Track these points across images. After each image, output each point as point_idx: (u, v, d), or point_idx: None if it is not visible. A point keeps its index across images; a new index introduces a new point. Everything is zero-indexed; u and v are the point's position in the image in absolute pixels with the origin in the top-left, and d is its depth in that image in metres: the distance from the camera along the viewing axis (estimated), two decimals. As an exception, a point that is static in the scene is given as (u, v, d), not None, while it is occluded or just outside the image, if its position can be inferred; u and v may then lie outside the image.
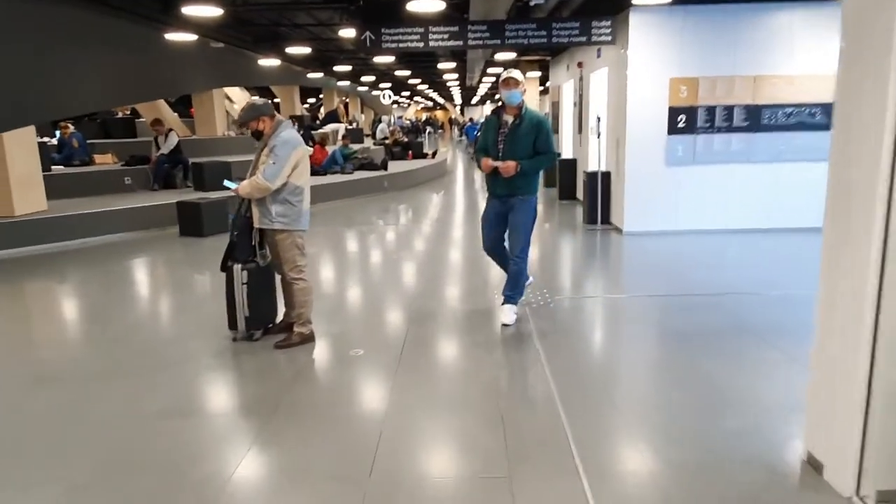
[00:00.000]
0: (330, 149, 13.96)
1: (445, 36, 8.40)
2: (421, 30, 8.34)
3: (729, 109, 7.73)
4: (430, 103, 54.68)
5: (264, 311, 4.55)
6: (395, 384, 3.80)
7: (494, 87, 23.28)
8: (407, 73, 21.24)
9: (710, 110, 7.74)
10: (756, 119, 7.74)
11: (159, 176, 10.69)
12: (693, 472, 2.81)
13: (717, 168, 7.90)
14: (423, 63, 18.56)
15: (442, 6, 8.01)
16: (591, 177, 8.67)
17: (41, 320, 5.66)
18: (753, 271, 6.27)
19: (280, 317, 4.69)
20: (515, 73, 4.56)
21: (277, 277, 4.58)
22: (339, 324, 5.00)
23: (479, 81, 23.99)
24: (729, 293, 5.47)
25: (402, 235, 9.05)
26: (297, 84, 20.51)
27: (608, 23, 8.11)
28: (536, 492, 2.68)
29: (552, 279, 6.38)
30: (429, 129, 37.74)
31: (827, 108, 7.59)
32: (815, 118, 7.69)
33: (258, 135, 4.25)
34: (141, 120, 15.83)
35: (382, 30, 8.34)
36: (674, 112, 7.76)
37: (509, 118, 4.62)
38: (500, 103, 4.76)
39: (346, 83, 24.34)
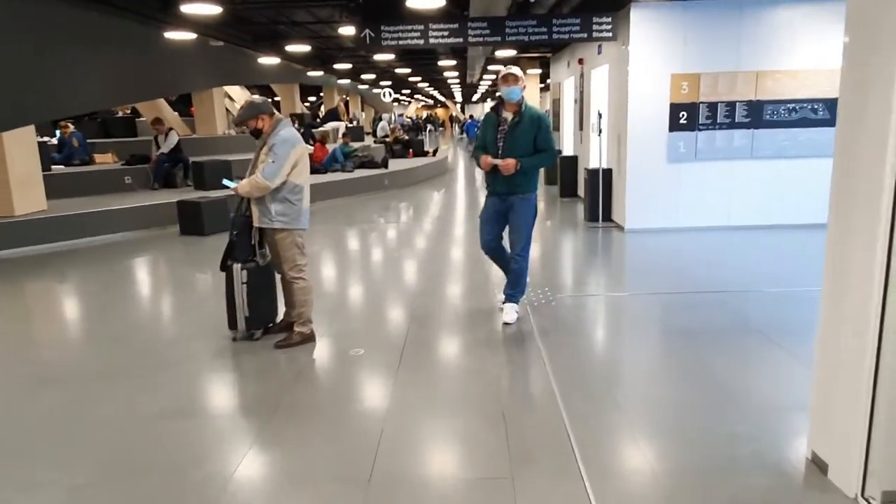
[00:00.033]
0: (330, 147, 13.94)
1: (445, 33, 8.37)
2: (421, 27, 8.30)
3: (731, 105, 7.69)
4: (431, 101, 54.64)
5: (264, 311, 4.53)
6: (396, 383, 3.78)
7: (495, 85, 23.23)
8: (407, 70, 21.21)
9: (712, 106, 7.70)
10: (758, 115, 7.70)
11: (159, 175, 10.67)
12: (696, 471, 2.79)
13: (719, 164, 7.87)
14: (423, 61, 18.53)
15: (442, 3, 7.97)
16: (593, 174, 8.64)
17: (41, 320, 5.65)
18: (756, 268, 6.23)
19: (280, 316, 4.67)
20: (515, 70, 4.50)
21: (277, 277, 4.56)
22: (340, 323, 4.98)
23: (480, 79, 23.94)
24: (732, 290, 5.44)
25: (402, 233, 9.03)
26: (297, 82, 20.49)
27: (609, 19, 8.07)
28: (538, 492, 2.66)
29: (554, 277, 6.36)
30: (429, 126, 37.69)
31: (829, 104, 7.55)
32: (817, 114, 7.65)
33: (257, 133, 4.23)
34: (141, 119, 15.82)
35: (382, 27, 8.31)
36: (675, 108, 7.72)
37: (509, 115, 4.57)
38: (499, 99, 4.72)
39: (347, 81, 24.31)
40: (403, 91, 37.39)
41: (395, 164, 14.49)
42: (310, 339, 4.44)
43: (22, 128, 8.09)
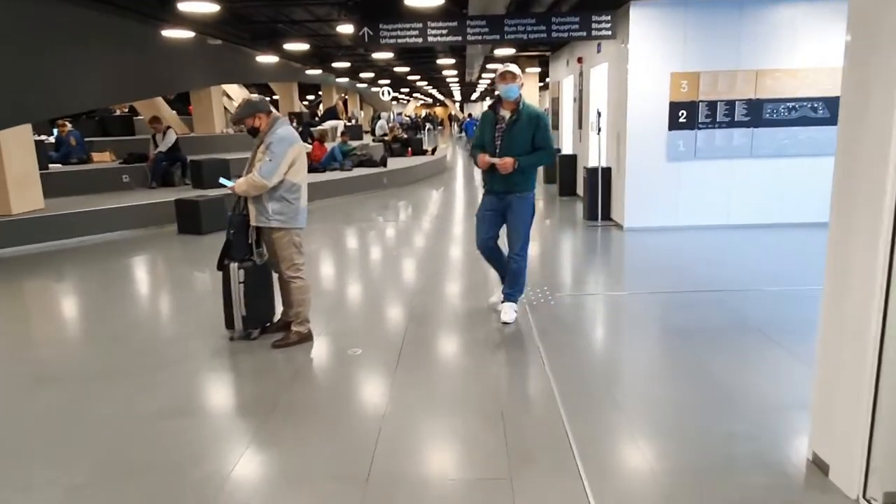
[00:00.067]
0: (329, 145, 13.92)
1: (444, 31, 8.35)
2: (419, 25, 8.29)
3: (730, 104, 7.67)
4: (430, 100, 54.59)
5: (261, 310, 4.51)
6: (394, 383, 3.76)
7: (493, 83, 23.19)
8: (406, 69, 21.19)
9: (712, 105, 7.69)
10: (758, 114, 7.68)
11: (157, 174, 10.64)
12: (696, 471, 2.77)
13: (719, 163, 7.85)
14: (422, 59, 18.50)
15: (441, 1, 7.95)
16: (592, 173, 8.62)
17: (39, 319, 5.62)
18: (756, 267, 6.22)
19: (278, 315, 4.65)
20: (513, 67, 4.46)
21: (275, 276, 4.54)
22: (338, 322, 4.96)
23: (479, 77, 23.93)
24: (731, 289, 5.43)
25: (401, 232, 9.01)
26: (295, 81, 20.47)
27: (608, 17, 8.06)
28: (537, 491, 2.64)
29: (552, 276, 6.35)
30: (428, 125, 37.63)
31: (829, 102, 7.54)
32: (817, 112, 7.63)
33: (254, 132, 4.20)
34: (139, 117, 15.79)
35: (381, 25, 8.29)
36: (675, 107, 7.70)
37: (506, 113, 4.54)
38: (497, 98, 4.68)
39: (345, 80, 24.27)
40: (402, 90, 37.34)
41: (394, 163, 14.46)
42: (307, 338, 4.42)
43: (19, 126, 8.07)
